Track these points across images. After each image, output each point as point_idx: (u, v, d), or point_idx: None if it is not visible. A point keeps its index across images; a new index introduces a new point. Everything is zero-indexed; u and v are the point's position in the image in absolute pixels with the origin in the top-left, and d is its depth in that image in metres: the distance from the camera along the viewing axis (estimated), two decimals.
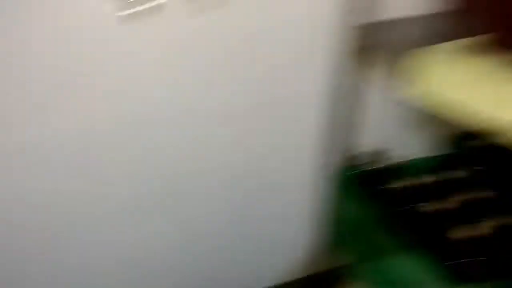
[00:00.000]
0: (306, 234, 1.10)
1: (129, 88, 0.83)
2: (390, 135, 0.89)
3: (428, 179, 0.70)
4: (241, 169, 0.99)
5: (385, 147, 0.77)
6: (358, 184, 0.74)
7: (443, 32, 0.74)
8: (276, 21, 0.84)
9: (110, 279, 1.01)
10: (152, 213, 0.97)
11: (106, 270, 1.00)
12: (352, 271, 0.78)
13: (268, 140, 0.97)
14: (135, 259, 1.02)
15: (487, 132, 0.54)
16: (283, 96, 0.92)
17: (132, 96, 0.84)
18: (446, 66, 0.60)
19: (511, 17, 0.61)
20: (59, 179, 0.85)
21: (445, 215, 0.65)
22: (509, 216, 0.59)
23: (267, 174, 1.01)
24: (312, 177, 1.01)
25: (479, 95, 0.55)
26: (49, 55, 0.74)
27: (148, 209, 0.96)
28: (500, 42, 0.61)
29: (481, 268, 0.60)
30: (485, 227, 0.60)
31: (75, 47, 0.75)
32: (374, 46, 0.82)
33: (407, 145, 0.89)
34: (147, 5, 0.74)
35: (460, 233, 0.60)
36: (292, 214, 1.08)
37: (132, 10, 0.74)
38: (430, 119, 0.64)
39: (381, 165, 0.75)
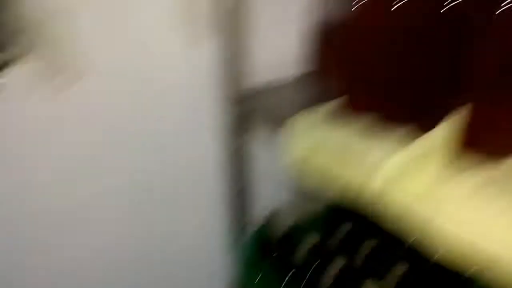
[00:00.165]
0: None
1: None
2: (281, 200, 0.86)
3: (322, 239, 0.69)
4: (138, 252, 0.94)
5: (278, 213, 0.76)
6: (259, 254, 0.73)
7: (311, 96, 0.72)
8: (150, 98, 0.83)
9: None
10: None
11: None
12: None
13: (163, 223, 0.94)
14: None
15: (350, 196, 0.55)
16: (171, 174, 0.90)
17: None
18: (313, 132, 0.59)
19: (361, 80, 0.59)
20: None
21: (352, 274, 0.63)
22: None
23: (167, 255, 0.97)
24: (214, 250, 1.00)
25: (340, 161, 0.55)
26: None
27: None
28: (354, 106, 0.60)
29: None
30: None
31: None
32: (251, 113, 0.83)
33: (298, 208, 0.83)
34: None
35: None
36: None
37: None
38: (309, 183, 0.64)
39: (278, 231, 0.74)
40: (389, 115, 0.58)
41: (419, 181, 0.50)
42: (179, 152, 0.89)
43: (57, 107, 0.74)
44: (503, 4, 0.44)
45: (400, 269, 0.56)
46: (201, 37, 0.83)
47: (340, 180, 0.56)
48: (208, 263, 1.01)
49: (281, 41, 0.86)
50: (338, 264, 0.60)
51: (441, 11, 0.49)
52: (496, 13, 0.44)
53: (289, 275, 0.64)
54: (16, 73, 0.68)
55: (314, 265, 0.62)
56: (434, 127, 0.52)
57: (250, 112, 0.84)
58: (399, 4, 0.53)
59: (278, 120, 0.71)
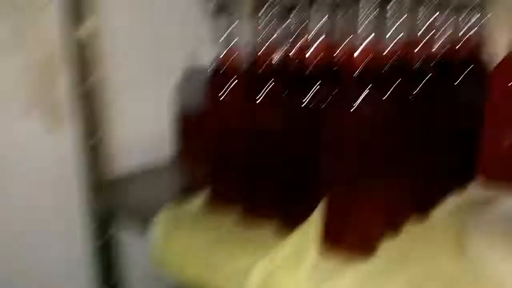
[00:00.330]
0: None
1: None
2: None
3: None
4: None
5: None
6: None
7: (178, 186, 0.76)
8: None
9: None
10: None
11: None
12: None
13: None
14: None
15: None
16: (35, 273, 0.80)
17: None
18: (177, 231, 0.59)
19: (224, 175, 0.61)
20: None
21: None
22: None
23: None
24: None
25: (206, 265, 0.54)
26: None
27: None
28: (218, 202, 0.62)
29: None
30: None
31: None
32: (116, 204, 0.78)
33: None
34: None
35: None
36: None
37: None
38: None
39: None
40: (253, 212, 0.57)
41: (289, 284, 0.48)
42: (43, 247, 0.78)
43: None
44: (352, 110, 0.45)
45: None
46: (60, 123, 0.76)
47: (206, 285, 0.52)
48: None
49: (149, 127, 0.83)
50: None
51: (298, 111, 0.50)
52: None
53: None
54: None
55: None
56: (298, 224, 0.51)
57: (115, 203, 0.77)
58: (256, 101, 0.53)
59: (143, 212, 0.66)
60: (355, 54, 0.46)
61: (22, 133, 0.73)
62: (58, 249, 0.80)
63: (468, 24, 0.64)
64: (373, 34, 0.46)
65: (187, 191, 0.69)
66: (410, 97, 0.52)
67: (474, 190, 0.69)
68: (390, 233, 0.53)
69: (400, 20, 0.50)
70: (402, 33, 0.52)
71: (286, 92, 0.51)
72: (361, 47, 0.45)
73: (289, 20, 0.52)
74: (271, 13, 0.52)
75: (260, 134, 0.54)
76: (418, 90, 0.53)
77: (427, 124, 0.56)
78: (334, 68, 0.50)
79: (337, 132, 0.47)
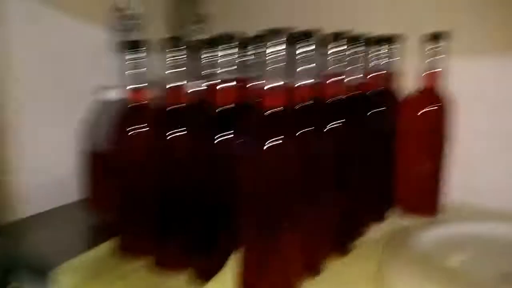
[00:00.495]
0: None
1: None
2: None
3: None
4: None
5: None
6: None
7: (86, 231, 0.71)
8: None
9: None
10: None
11: None
12: None
13: None
14: None
15: None
16: None
17: None
18: (87, 276, 0.55)
19: (131, 220, 0.58)
20: None
21: None
22: None
23: None
24: None
25: None
26: None
27: None
28: (126, 249, 0.58)
29: None
30: None
31: None
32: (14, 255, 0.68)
33: None
34: None
35: None
36: None
37: None
38: None
39: None
40: (165, 260, 0.53)
41: None
42: None
43: None
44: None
45: None
46: None
47: None
48: None
49: (57, 164, 0.76)
50: None
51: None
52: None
53: None
54: None
55: None
56: (213, 273, 0.48)
57: (15, 250, 0.69)
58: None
59: (47, 261, 0.59)
60: (266, 92, 0.44)
61: None
62: None
63: (378, 59, 0.66)
64: (283, 72, 0.45)
65: (97, 235, 0.64)
66: (324, 133, 0.51)
67: (393, 220, 0.69)
68: (310, 273, 0.51)
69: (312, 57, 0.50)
70: (314, 69, 0.52)
71: (197, 130, 0.48)
72: (272, 85, 0.43)
73: (201, 57, 0.49)
74: (179, 50, 0.50)
75: (170, 175, 0.50)
76: (332, 125, 0.53)
77: (342, 158, 0.55)
78: (246, 106, 0.48)
79: (249, 173, 0.45)
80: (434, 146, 0.71)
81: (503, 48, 0.73)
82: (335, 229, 0.56)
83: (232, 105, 0.48)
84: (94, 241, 0.62)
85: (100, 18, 0.73)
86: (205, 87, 0.50)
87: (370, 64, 0.66)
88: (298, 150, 0.45)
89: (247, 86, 0.49)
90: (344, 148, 0.55)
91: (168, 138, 0.49)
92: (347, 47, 0.57)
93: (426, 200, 0.72)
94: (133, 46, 0.52)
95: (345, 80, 0.56)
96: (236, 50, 0.47)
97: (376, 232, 0.65)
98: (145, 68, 0.53)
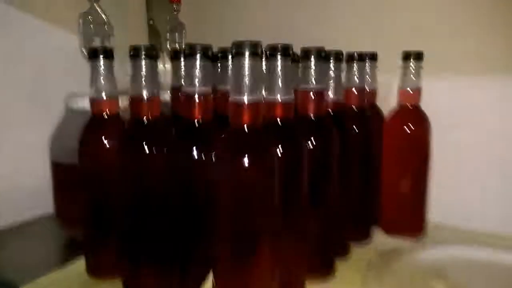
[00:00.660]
0: None
1: None
2: None
3: None
4: None
5: None
6: None
7: (53, 248, 0.68)
8: None
9: None
10: None
11: None
12: None
13: None
14: None
15: None
16: None
17: None
18: None
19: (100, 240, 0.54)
20: None
21: None
22: None
23: None
24: None
25: None
26: None
27: None
28: (95, 272, 0.54)
29: None
30: None
31: None
32: None
33: None
34: None
35: None
36: None
37: None
38: None
39: None
40: (135, 282, 0.49)
41: None
42: None
43: None
44: None
45: None
46: None
47: None
48: None
49: (26, 175, 0.72)
50: None
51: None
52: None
53: None
54: None
55: None
56: None
57: None
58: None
59: (13, 279, 0.55)
60: (242, 106, 0.41)
61: None
62: None
63: (359, 75, 0.64)
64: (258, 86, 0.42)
65: (67, 252, 0.60)
66: (302, 150, 0.49)
67: (377, 239, 0.67)
68: None
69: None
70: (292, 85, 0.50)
71: (166, 145, 0.46)
72: (248, 99, 0.41)
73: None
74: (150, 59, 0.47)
75: (137, 192, 0.47)
76: (311, 142, 0.51)
77: (321, 176, 0.53)
78: (220, 120, 0.46)
79: (221, 190, 0.42)
80: (416, 165, 0.69)
81: (485, 67, 0.73)
82: (316, 249, 0.53)
83: (206, 119, 0.46)
84: (64, 259, 0.59)
85: (74, 24, 0.70)
86: (178, 99, 0.47)
87: (351, 81, 0.64)
88: (273, 167, 0.42)
89: (220, 99, 0.46)
90: (323, 165, 0.53)
91: (138, 150, 0.46)
92: (328, 63, 0.56)
93: (409, 220, 0.70)
94: (103, 54, 0.49)
95: (325, 96, 0.54)
96: (210, 61, 0.45)
97: (358, 253, 0.62)
98: (114, 77, 0.51)
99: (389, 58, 0.67)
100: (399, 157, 0.69)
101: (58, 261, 0.58)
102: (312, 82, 0.51)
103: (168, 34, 0.85)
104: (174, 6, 0.87)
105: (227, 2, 0.95)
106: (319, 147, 0.51)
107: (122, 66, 0.50)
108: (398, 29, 0.77)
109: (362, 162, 0.65)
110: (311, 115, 0.52)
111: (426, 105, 0.67)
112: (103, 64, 0.49)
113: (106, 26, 0.67)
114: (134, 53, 0.45)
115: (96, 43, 0.66)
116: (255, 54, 0.40)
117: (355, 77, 0.64)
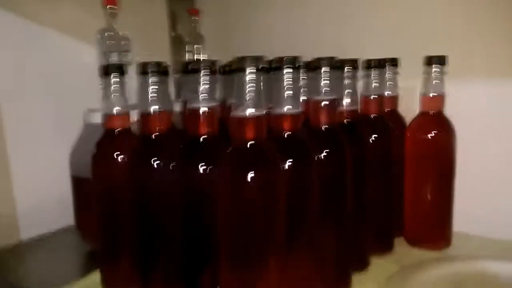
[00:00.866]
0: None
1: None
2: None
3: None
4: None
5: None
6: None
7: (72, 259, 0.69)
8: None
9: None
10: None
11: None
12: None
13: None
14: None
15: None
16: None
17: None
18: None
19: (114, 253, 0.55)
20: None
21: None
22: None
23: None
24: None
25: None
26: None
27: None
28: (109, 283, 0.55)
29: None
30: None
31: None
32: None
33: None
34: None
35: None
36: None
37: None
38: None
39: None
40: None
41: None
42: None
43: None
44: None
45: None
46: None
47: None
48: None
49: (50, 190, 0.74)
50: None
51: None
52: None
53: None
54: None
55: None
56: None
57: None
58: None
59: None
60: (245, 121, 0.41)
61: None
62: None
63: (379, 82, 0.63)
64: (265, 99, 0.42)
65: (85, 264, 0.62)
66: (314, 161, 0.48)
67: (401, 251, 0.65)
68: None
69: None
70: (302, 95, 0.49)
71: (175, 159, 0.46)
72: (256, 113, 0.40)
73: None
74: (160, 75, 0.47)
75: (149, 206, 0.48)
76: (324, 153, 0.50)
77: (335, 186, 0.52)
78: (227, 135, 0.45)
79: (227, 205, 0.41)
80: (440, 173, 0.66)
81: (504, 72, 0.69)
82: (330, 263, 0.52)
83: (211, 134, 0.46)
84: (83, 271, 0.60)
85: (94, 40, 0.72)
86: (187, 114, 0.47)
87: (368, 89, 0.62)
88: (274, 183, 0.41)
89: (230, 114, 0.46)
90: (335, 177, 0.52)
91: (145, 166, 0.47)
92: (341, 71, 0.54)
93: (434, 230, 0.68)
94: (114, 70, 0.50)
95: (337, 106, 0.53)
96: (216, 75, 0.45)
97: (379, 265, 0.60)
98: (127, 93, 0.51)
99: (413, 62, 0.65)
100: (421, 165, 0.66)
101: (77, 273, 0.60)
102: (322, 92, 0.50)
103: (187, 46, 0.86)
104: (193, 18, 0.87)
105: (248, 14, 0.95)
106: (330, 158, 0.50)
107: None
108: (423, 33, 0.74)
109: (381, 171, 0.63)
110: (322, 126, 0.51)
111: (452, 111, 0.64)
112: (114, 81, 0.50)
113: (123, 42, 0.68)
114: (142, 69, 0.46)
115: (114, 58, 0.67)
116: (257, 69, 0.39)
117: (373, 84, 0.62)
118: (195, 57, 0.84)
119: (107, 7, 0.68)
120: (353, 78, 0.56)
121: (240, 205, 0.41)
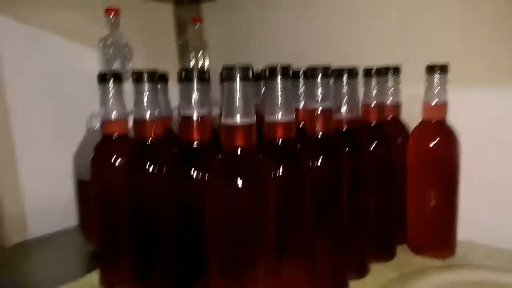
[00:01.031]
0: None
1: None
2: None
3: None
4: None
5: None
6: None
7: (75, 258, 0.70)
8: None
9: None
10: None
11: None
12: None
13: None
14: None
15: None
16: None
17: None
18: None
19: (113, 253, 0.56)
20: None
21: None
22: None
23: None
24: None
25: None
26: None
27: None
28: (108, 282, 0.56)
29: None
30: None
31: None
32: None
33: None
34: None
35: None
36: None
37: None
38: None
39: None
40: None
41: None
42: None
43: None
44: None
45: None
46: None
47: None
48: None
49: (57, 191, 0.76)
50: None
51: None
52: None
53: None
54: None
55: None
56: None
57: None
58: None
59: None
60: (235, 129, 0.41)
61: None
62: None
63: (380, 90, 0.62)
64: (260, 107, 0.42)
65: (87, 264, 0.63)
66: (305, 169, 0.48)
67: (403, 259, 0.64)
68: None
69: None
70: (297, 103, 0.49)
71: (167, 166, 0.46)
72: (247, 121, 0.41)
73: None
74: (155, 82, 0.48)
75: (143, 210, 0.48)
76: (318, 161, 0.50)
77: (330, 194, 0.51)
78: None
79: (216, 212, 0.42)
80: (442, 181, 0.65)
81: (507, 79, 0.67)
82: (325, 271, 0.52)
83: (206, 140, 0.46)
84: (84, 270, 0.61)
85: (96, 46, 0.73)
86: (180, 121, 0.47)
87: (369, 96, 0.62)
88: (263, 190, 0.41)
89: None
90: (330, 185, 0.51)
91: (137, 171, 0.48)
92: (340, 80, 0.54)
93: (438, 239, 0.67)
94: (112, 77, 0.51)
95: (332, 115, 0.52)
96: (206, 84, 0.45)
97: (379, 272, 0.60)
98: (123, 99, 0.52)
99: (417, 69, 0.64)
100: (424, 173, 0.65)
101: (78, 272, 0.61)
102: (317, 100, 0.50)
103: (191, 53, 0.87)
104: (198, 25, 0.88)
105: (253, 20, 0.96)
106: (324, 166, 0.49)
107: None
108: (426, 40, 0.74)
109: (382, 179, 0.62)
110: (318, 134, 0.51)
111: (455, 119, 0.64)
112: (112, 87, 0.51)
113: (125, 50, 0.69)
114: (136, 77, 0.47)
115: (116, 66, 0.69)
116: (245, 78, 0.40)
117: (374, 92, 0.62)
118: (199, 64, 0.85)
119: (110, 16, 0.69)
120: (353, 86, 0.56)
121: (226, 212, 0.41)
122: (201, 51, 0.83)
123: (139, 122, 0.47)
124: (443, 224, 0.66)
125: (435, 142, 0.64)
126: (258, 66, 0.48)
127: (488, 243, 0.67)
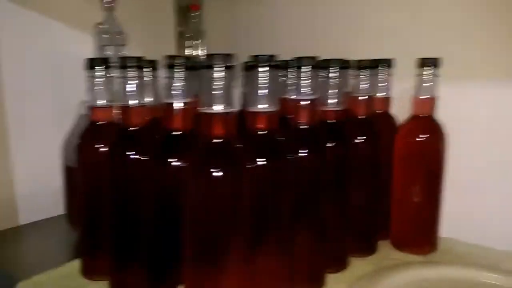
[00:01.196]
0: None
1: None
2: None
3: None
4: None
5: None
6: None
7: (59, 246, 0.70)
8: None
9: None
10: None
11: None
12: None
13: None
14: None
15: None
16: None
17: None
18: None
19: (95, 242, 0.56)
20: None
21: None
22: None
23: None
24: None
25: None
26: None
27: None
28: (87, 271, 0.56)
29: None
30: None
31: None
32: None
33: None
34: None
35: None
36: None
37: None
38: None
39: None
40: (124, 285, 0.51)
41: None
42: None
43: None
44: None
45: None
46: None
47: None
48: None
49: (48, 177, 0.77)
50: None
51: None
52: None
53: None
54: None
55: None
56: None
57: None
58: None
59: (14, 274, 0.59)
60: (213, 117, 0.41)
61: None
62: None
63: (368, 83, 0.62)
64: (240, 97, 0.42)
65: (72, 251, 0.64)
66: (286, 161, 0.48)
67: (383, 254, 0.65)
68: None
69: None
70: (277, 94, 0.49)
71: (149, 153, 0.47)
72: (227, 110, 0.41)
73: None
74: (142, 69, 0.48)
75: (123, 198, 0.49)
76: (300, 152, 0.50)
77: (311, 186, 0.52)
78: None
79: (192, 201, 0.42)
80: (428, 177, 0.65)
81: (506, 75, 0.67)
82: (302, 264, 0.52)
83: (188, 129, 0.47)
84: (69, 257, 0.62)
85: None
86: (164, 108, 0.48)
87: (357, 89, 0.62)
88: (239, 179, 0.42)
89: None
90: (311, 176, 0.52)
91: (119, 158, 0.48)
92: (326, 71, 0.55)
93: (420, 234, 0.67)
94: (99, 63, 0.52)
95: (316, 106, 0.53)
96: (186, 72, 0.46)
97: (357, 266, 0.60)
98: (110, 86, 0.53)
99: (411, 64, 0.64)
100: (409, 168, 0.66)
101: (62, 260, 0.61)
102: (301, 91, 0.50)
103: (187, 41, 0.87)
104: (194, 13, 0.88)
105: (251, 10, 0.95)
106: (305, 157, 0.50)
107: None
108: (412, 36, 0.73)
109: (366, 172, 0.62)
110: (301, 125, 0.51)
111: (443, 114, 0.64)
112: (98, 74, 0.52)
113: (118, 36, 0.70)
114: (122, 64, 0.47)
115: (109, 52, 0.69)
116: (225, 67, 0.40)
117: (363, 84, 0.62)
118: (194, 52, 0.85)
119: (103, 1, 0.70)
120: (341, 78, 0.56)
121: (200, 200, 0.41)
122: (197, 40, 0.83)
123: (124, 109, 0.48)
124: (426, 220, 0.66)
125: (420, 137, 0.64)
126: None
127: (473, 241, 0.67)
